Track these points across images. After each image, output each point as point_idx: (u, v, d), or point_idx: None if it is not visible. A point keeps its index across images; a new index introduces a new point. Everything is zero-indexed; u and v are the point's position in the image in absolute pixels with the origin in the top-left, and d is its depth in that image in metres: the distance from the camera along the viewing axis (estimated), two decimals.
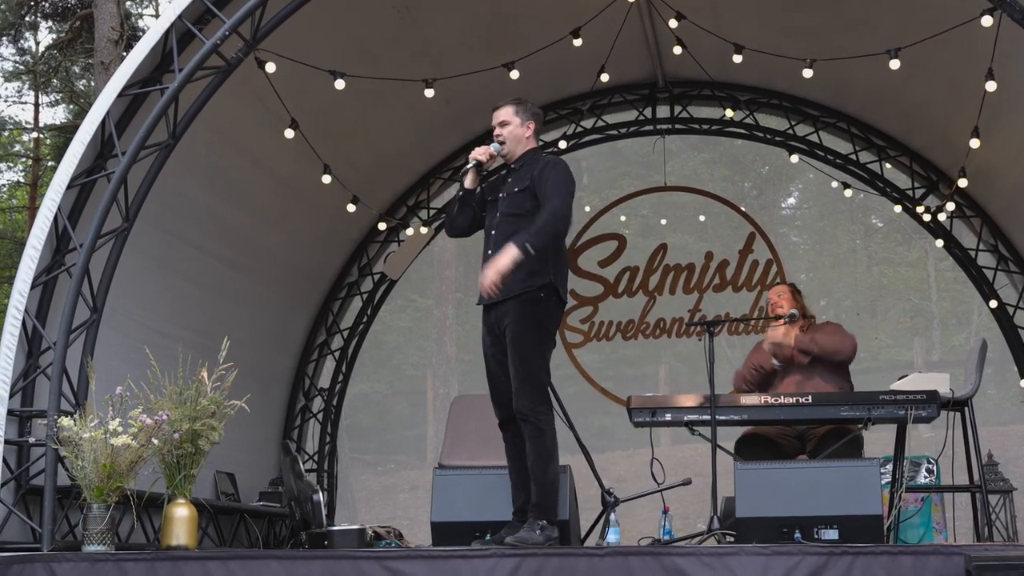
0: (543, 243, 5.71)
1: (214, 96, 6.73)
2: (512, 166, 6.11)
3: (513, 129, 6.08)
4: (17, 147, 25.15)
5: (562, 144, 10.86)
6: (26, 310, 6.43)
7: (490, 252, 5.92)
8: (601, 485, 6.46)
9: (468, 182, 6.15)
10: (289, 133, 8.49)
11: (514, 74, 8.91)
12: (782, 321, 7.36)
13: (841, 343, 7.29)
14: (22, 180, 24.60)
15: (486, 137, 10.60)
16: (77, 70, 22.23)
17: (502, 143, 6.09)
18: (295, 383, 10.69)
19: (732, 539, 6.20)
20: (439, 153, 10.87)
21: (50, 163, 22.10)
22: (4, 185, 25.12)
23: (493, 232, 5.99)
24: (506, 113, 6.10)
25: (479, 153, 6.10)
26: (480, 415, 8.15)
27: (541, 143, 7.31)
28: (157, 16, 20.99)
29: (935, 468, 8.38)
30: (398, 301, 12.22)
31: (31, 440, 6.39)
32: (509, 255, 5.63)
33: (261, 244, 9.39)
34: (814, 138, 10.66)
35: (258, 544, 9.12)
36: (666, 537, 6.71)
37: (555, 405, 6.02)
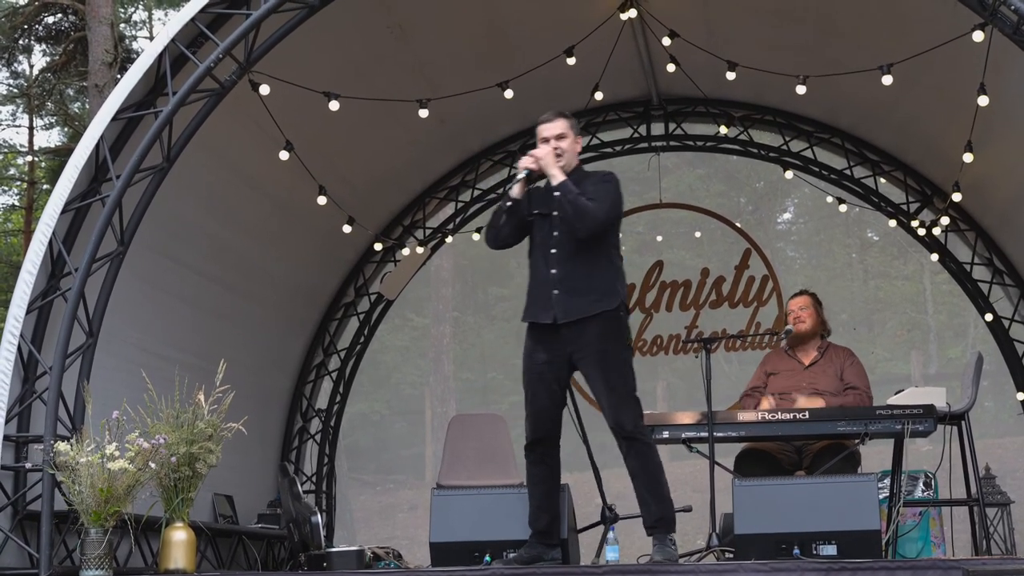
0: (581, 211, 5.74)
1: (208, 118, 6.73)
2: None
3: (570, 143, 6.02)
4: (12, 170, 25.18)
5: None
6: (21, 335, 6.41)
7: (554, 271, 5.81)
8: (604, 501, 6.45)
9: (516, 192, 5.98)
10: (284, 155, 8.50)
11: (508, 93, 8.93)
12: (781, 335, 7.34)
13: (859, 403, 7.15)
14: (17, 204, 24.63)
15: (481, 156, 10.78)
16: (71, 93, 22.28)
17: (559, 155, 5.96)
18: (293, 404, 10.66)
19: (731, 556, 6.20)
20: (434, 172, 10.88)
21: (45, 186, 22.11)
22: None
23: (554, 251, 5.85)
24: (562, 126, 6.02)
25: (528, 162, 5.96)
26: (478, 434, 8.16)
27: None
28: (151, 39, 21.04)
29: (933, 482, 8.37)
30: (395, 320, 12.24)
31: (28, 465, 6.37)
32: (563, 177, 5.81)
33: (257, 265, 9.39)
34: (808, 154, 10.66)
35: (257, 567, 9.09)
36: None
37: (572, 415, 6.05)
